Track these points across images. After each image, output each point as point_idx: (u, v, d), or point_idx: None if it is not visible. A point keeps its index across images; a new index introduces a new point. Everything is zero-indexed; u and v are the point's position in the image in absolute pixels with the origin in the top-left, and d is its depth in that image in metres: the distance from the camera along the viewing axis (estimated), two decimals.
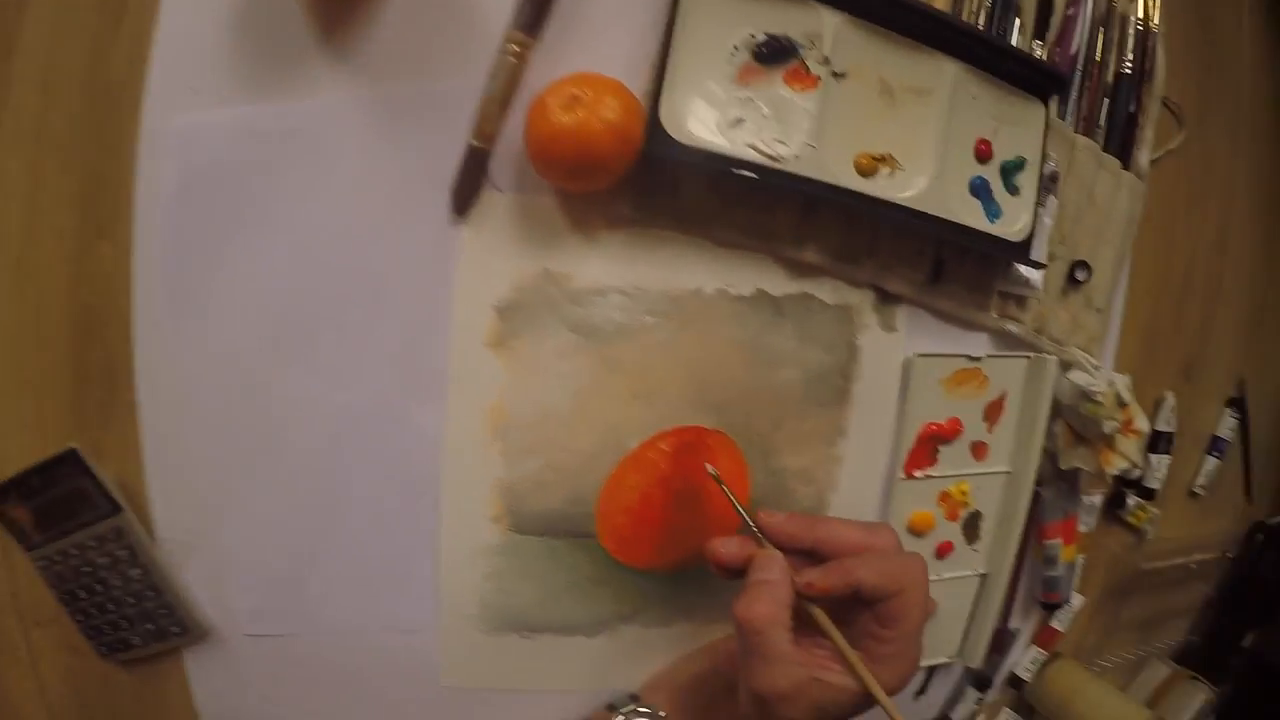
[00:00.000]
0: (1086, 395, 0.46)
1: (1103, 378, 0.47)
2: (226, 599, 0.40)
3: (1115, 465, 0.47)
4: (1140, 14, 0.50)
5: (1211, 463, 0.61)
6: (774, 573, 0.34)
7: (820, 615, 0.34)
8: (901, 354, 0.45)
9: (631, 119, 0.34)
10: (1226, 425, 0.61)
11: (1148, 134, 0.51)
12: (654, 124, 0.35)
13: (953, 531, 0.48)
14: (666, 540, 0.42)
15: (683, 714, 0.41)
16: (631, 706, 0.41)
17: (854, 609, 0.34)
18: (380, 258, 0.38)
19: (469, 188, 0.37)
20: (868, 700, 0.33)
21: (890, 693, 0.33)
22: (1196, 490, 0.61)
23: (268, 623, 0.40)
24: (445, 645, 0.41)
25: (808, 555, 0.36)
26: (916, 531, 0.47)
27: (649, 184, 0.38)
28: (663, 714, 0.40)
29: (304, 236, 0.37)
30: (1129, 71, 0.50)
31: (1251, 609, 0.63)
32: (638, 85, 0.36)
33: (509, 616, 0.41)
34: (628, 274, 0.39)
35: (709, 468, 0.39)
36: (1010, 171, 0.43)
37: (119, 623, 0.39)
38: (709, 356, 0.41)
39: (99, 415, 0.37)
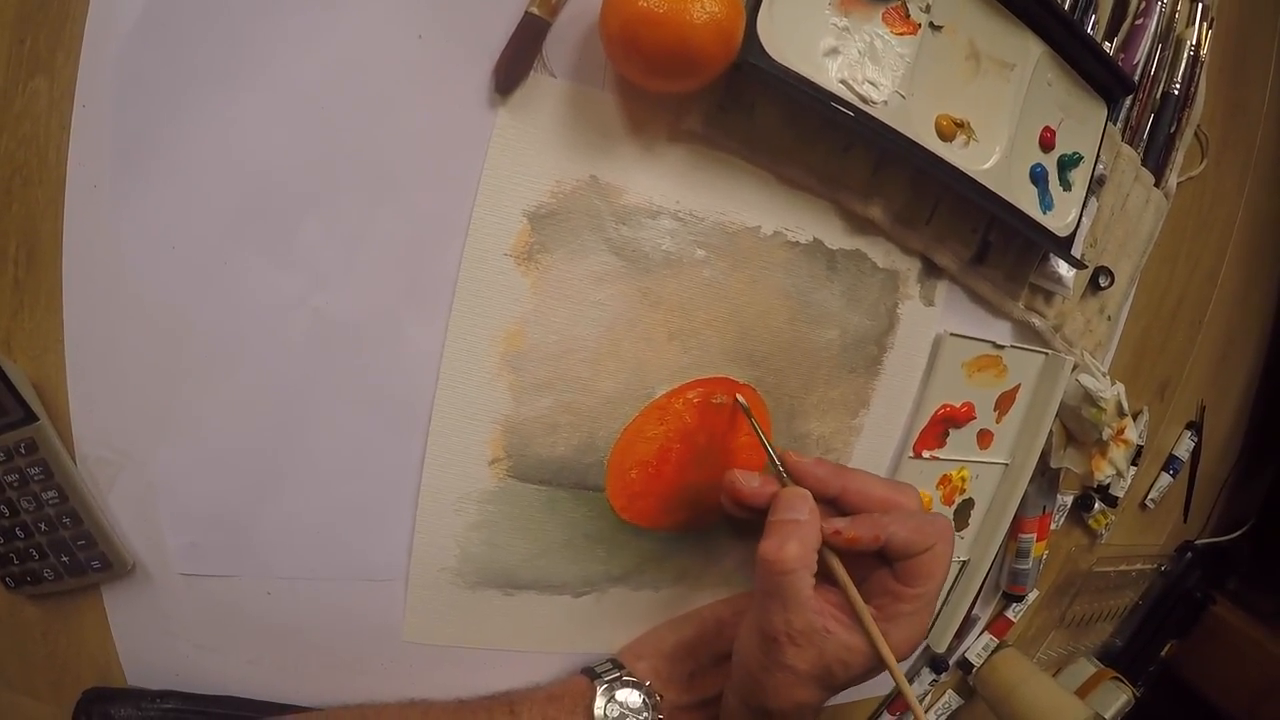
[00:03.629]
0: (1092, 399, 0.47)
1: (1107, 384, 0.48)
2: (158, 531, 0.34)
3: (1104, 471, 0.48)
4: (1194, 40, 0.51)
5: (1165, 479, 0.65)
6: (803, 513, 0.33)
7: (838, 566, 0.33)
8: (934, 330, 0.44)
9: (735, 17, 0.30)
10: (1184, 446, 0.65)
11: (1179, 157, 0.52)
12: (751, 33, 0.32)
13: (945, 516, 0.49)
14: (677, 500, 0.40)
15: (666, 683, 0.39)
16: (616, 675, 0.39)
17: (868, 566, 0.34)
18: (391, 133, 0.31)
19: (518, 64, 0.32)
20: (873, 664, 0.32)
21: (899, 657, 0.32)
22: (1148, 504, 0.65)
23: (205, 561, 0.34)
24: (414, 599, 0.37)
25: (829, 504, 0.35)
26: None
27: (724, 99, 0.35)
28: (647, 683, 0.38)
29: (297, 95, 0.30)
30: (1175, 93, 0.50)
31: (1172, 622, 0.69)
32: None
33: (493, 571, 0.38)
34: (684, 197, 0.36)
35: (739, 398, 0.38)
36: (1067, 166, 0.43)
37: (29, 552, 0.33)
38: (755, 303, 0.38)
39: (12, 298, 0.30)
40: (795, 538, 0.32)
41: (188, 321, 0.31)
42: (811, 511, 0.33)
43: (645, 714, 0.37)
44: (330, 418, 0.34)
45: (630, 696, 0.38)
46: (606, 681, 0.38)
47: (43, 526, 0.32)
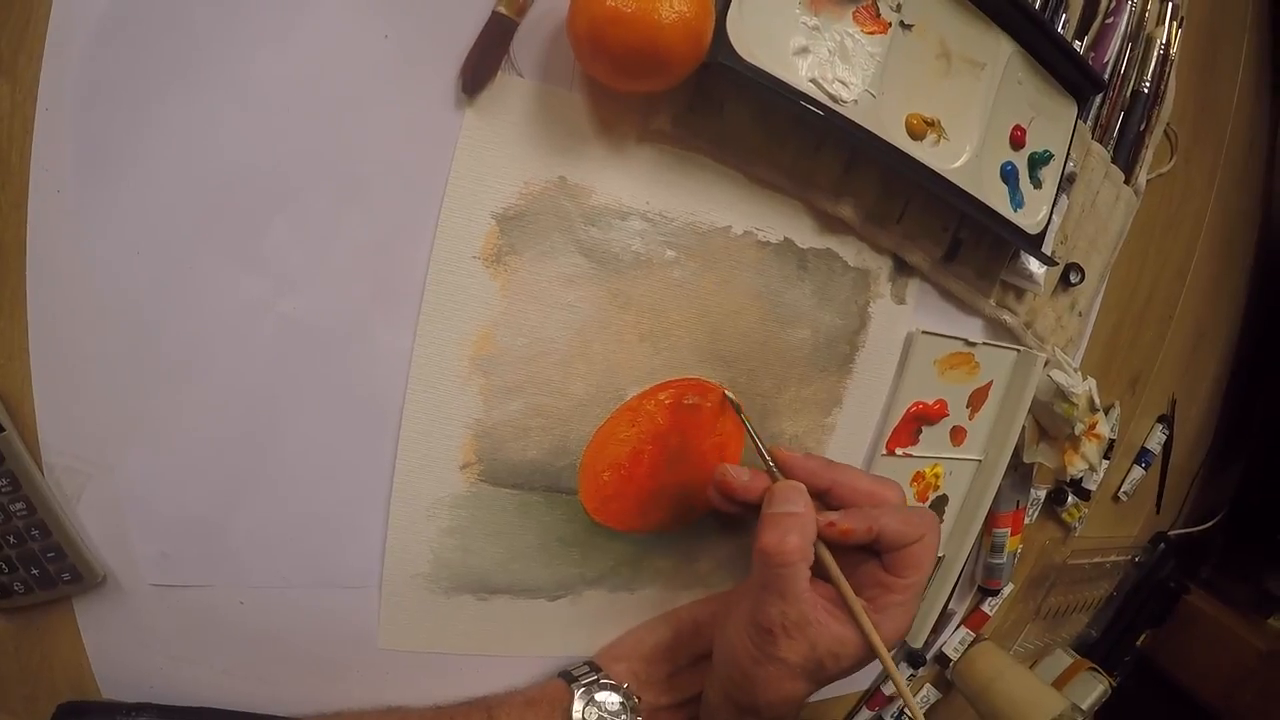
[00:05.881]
0: (1064, 394, 0.48)
1: (1078, 379, 0.48)
2: (129, 542, 0.33)
3: (1076, 466, 0.49)
4: (1164, 39, 0.51)
5: (1138, 472, 0.66)
6: (799, 505, 0.33)
7: (829, 558, 0.33)
8: (906, 328, 0.44)
9: (705, 17, 0.30)
10: (1156, 439, 0.66)
11: (1149, 154, 0.52)
12: (720, 32, 0.31)
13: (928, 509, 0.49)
14: (650, 502, 0.40)
15: (644, 684, 0.39)
16: (594, 677, 0.39)
17: (854, 559, 0.34)
18: (359, 135, 0.31)
19: (485, 64, 0.31)
20: (862, 656, 0.33)
21: (887, 647, 0.32)
22: (1120, 496, 0.66)
23: (177, 571, 0.34)
24: (388, 605, 0.37)
25: (816, 498, 0.35)
26: None
27: (693, 99, 0.34)
28: (625, 685, 0.38)
29: (263, 97, 0.30)
30: (1145, 91, 0.51)
31: (1147, 612, 0.70)
32: None
33: (466, 577, 0.38)
34: (654, 198, 0.36)
35: (729, 394, 0.38)
36: (1037, 164, 0.43)
37: None
38: (726, 304, 0.38)
39: None
40: (795, 530, 0.32)
41: (155, 327, 0.31)
42: (807, 504, 0.33)
43: (624, 716, 0.37)
44: (300, 423, 0.33)
45: (608, 699, 0.38)
46: (584, 685, 0.38)
47: (11, 539, 0.31)
